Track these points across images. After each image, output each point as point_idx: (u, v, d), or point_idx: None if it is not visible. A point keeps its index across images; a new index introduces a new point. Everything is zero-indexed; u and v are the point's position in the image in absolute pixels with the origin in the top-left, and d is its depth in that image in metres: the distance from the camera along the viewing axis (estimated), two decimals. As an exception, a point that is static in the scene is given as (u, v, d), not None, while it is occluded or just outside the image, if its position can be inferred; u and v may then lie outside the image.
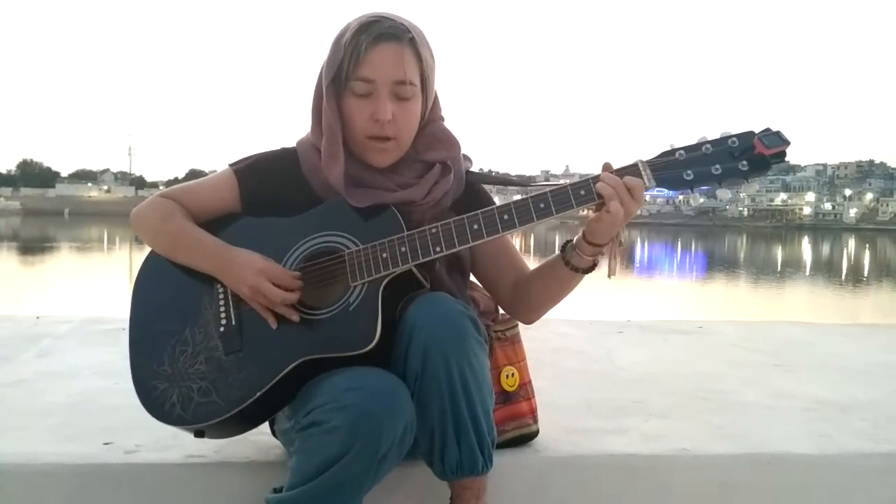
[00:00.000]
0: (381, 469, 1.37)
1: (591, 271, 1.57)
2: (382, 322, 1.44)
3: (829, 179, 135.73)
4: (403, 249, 1.46)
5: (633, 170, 1.45)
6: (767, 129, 1.40)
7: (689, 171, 1.42)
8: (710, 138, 1.43)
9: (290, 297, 1.48)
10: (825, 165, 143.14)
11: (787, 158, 1.39)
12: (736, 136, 1.41)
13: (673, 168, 1.43)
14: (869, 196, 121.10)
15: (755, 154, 1.39)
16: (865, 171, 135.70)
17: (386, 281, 1.46)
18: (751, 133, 1.40)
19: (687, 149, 1.43)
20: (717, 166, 1.41)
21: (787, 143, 1.38)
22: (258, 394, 1.45)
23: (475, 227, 1.45)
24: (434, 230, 1.46)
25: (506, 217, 1.45)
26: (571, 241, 1.57)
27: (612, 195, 1.42)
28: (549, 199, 1.44)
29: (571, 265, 1.56)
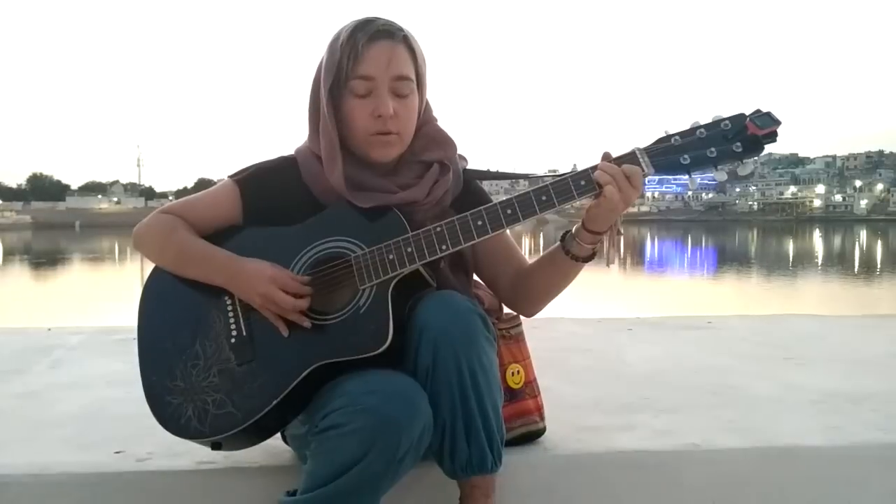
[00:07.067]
0: (399, 471, 1.38)
1: (589, 260, 1.59)
2: (393, 326, 1.44)
3: (839, 171, 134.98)
4: (409, 250, 1.47)
5: (631, 157, 1.46)
6: (758, 111, 1.41)
7: (685, 156, 1.43)
8: (702, 123, 1.44)
9: (301, 304, 1.49)
10: (834, 157, 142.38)
11: (778, 138, 1.41)
12: (728, 118, 1.43)
13: (670, 153, 1.45)
14: (879, 187, 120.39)
15: (748, 135, 1.41)
16: (875, 162, 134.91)
17: (394, 282, 1.47)
18: (742, 115, 1.42)
19: (682, 134, 1.45)
20: (713, 149, 1.42)
21: (778, 122, 1.40)
22: (275, 401, 1.46)
23: (479, 223, 1.46)
24: (439, 229, 1.47)
25: (509, 211, 1.46)
26: (570, 230, 1.58)
27: (608, 181, 1.44)
28: (551, 191, 1.45)
29: (571, 254, 1.57)
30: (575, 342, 3.17)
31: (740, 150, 1.41)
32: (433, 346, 1.41)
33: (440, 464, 1.48)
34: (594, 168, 1.46)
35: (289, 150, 1.70)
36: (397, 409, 1.34)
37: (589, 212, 1.51)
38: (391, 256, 1.47)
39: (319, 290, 1.51)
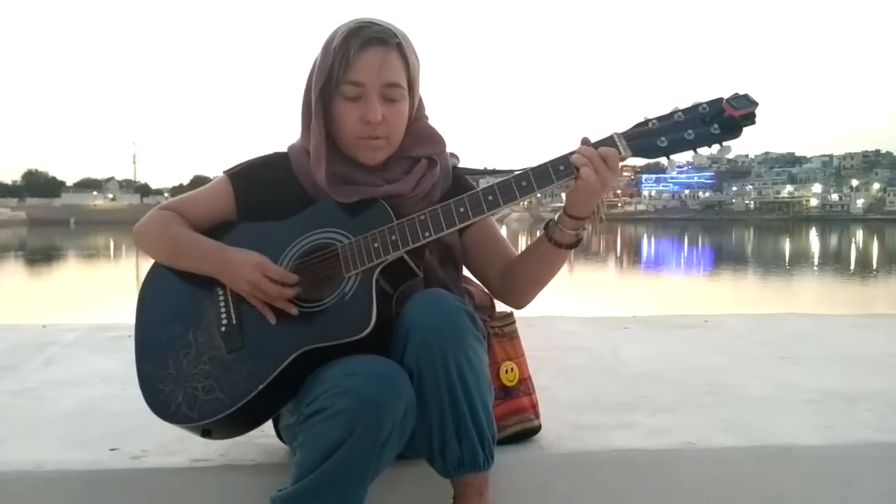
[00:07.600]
0: (384, 454, 1.39)
1: (574, 247, 1.60)
2: (379, 318, 1.46)
3: (836, 170, 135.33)
4: (394, 238, 1.49)
5: (608, 141, 1.48)
6: (736, 94, 1.43)
7: (662, 139, 1.45)
8: (681, 107, 1.46)
9: (287, 293, 1.51)
10: (831, 156, 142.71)
11: (756, 120, 1.42)
12: (706, 102, 1.45)
13: (647, 136, 1.47)
14: (876, 186, 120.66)
15: (725, 117, 1.43)
16: (872, 161, 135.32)
17: (379, 269, 1.49)
18: (720, 99, 1.44)
19: (660, 118, 1.47)
20: (690, 132, 1.44)
21: (754, 104, 1.41)
22: (261, 386, 1.48)
23: (461, 209, 1.48)
24: (422, 217, 1.49)
25: (490, 197, 1.49)
26: (554, 218, 1.60)
27: (584, 163, 1.46)
28: (531, 177, 1.48)
29: (555, 241, 1.59)
30: (571, 341, 3.16)
31: (718, 132, 1.43)
32: (421, 345, 1.42)
33: (431, 463, 1.49)
34: (572, 153, 1.48)
35: (283, 147, 1.72)
36: (379, 390, 1.35)
37: (569, 197, 1.54)
38: (376, 244, 1.49)
39: (307, 280, 1.54)
